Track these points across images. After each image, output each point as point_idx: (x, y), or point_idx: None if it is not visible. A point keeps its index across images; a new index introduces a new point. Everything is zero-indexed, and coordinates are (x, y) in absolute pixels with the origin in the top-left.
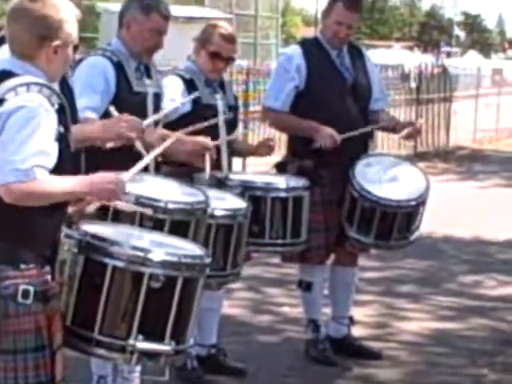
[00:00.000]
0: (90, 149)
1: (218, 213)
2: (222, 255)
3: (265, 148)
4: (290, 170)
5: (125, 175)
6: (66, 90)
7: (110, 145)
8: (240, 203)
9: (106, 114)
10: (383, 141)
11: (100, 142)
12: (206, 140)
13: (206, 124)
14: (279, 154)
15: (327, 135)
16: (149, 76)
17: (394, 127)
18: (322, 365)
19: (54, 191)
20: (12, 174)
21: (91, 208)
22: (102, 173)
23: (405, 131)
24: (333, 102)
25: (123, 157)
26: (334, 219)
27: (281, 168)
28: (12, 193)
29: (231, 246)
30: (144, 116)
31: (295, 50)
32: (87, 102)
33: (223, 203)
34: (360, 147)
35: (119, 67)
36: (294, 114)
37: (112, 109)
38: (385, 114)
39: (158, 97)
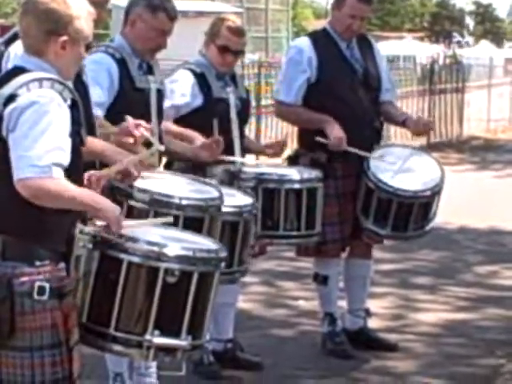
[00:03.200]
0: None
1: (223, 209)
2: (228, 252)
3: (275, 150)
4: (303, 163)
5: (126, 222)
6: (80, 87)
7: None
8: (246, 199)
9: (109, 109)
10: (396, 132)
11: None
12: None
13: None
14: (290, 147)
15: (336, 137)
16: (151, 73)
17: (404, 121)
18: (339, 358)
19: (66, 194)
20: (29, 170)
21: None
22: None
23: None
24: (344, 94)
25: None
26: (348, 212)
27: (293, 161)
28: (29, 188)
29: (237, 243)
30: (147, 112)
31: (305, 42)
32: (93, 97)
33: (230, 200)
34: (373, 138)
35: (122, 64)
36: (305, 107)
37: (128, 117)
38: (394, 108)
39: (160, 93)
